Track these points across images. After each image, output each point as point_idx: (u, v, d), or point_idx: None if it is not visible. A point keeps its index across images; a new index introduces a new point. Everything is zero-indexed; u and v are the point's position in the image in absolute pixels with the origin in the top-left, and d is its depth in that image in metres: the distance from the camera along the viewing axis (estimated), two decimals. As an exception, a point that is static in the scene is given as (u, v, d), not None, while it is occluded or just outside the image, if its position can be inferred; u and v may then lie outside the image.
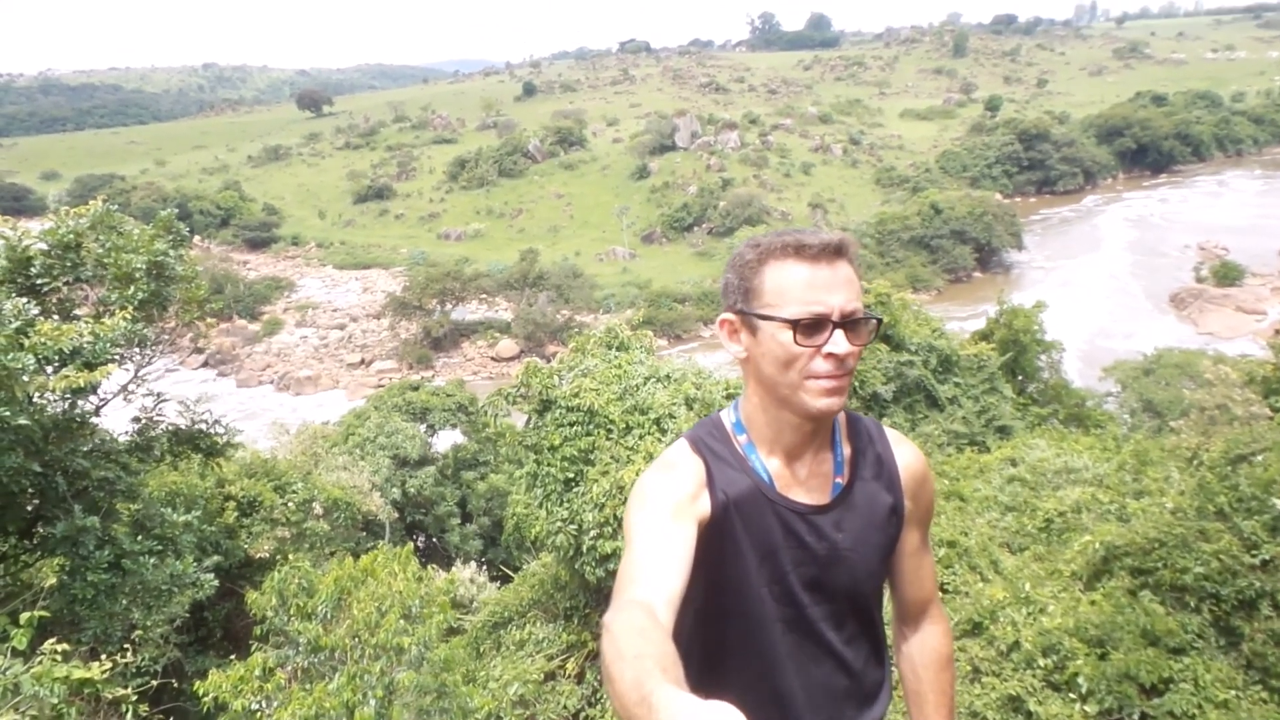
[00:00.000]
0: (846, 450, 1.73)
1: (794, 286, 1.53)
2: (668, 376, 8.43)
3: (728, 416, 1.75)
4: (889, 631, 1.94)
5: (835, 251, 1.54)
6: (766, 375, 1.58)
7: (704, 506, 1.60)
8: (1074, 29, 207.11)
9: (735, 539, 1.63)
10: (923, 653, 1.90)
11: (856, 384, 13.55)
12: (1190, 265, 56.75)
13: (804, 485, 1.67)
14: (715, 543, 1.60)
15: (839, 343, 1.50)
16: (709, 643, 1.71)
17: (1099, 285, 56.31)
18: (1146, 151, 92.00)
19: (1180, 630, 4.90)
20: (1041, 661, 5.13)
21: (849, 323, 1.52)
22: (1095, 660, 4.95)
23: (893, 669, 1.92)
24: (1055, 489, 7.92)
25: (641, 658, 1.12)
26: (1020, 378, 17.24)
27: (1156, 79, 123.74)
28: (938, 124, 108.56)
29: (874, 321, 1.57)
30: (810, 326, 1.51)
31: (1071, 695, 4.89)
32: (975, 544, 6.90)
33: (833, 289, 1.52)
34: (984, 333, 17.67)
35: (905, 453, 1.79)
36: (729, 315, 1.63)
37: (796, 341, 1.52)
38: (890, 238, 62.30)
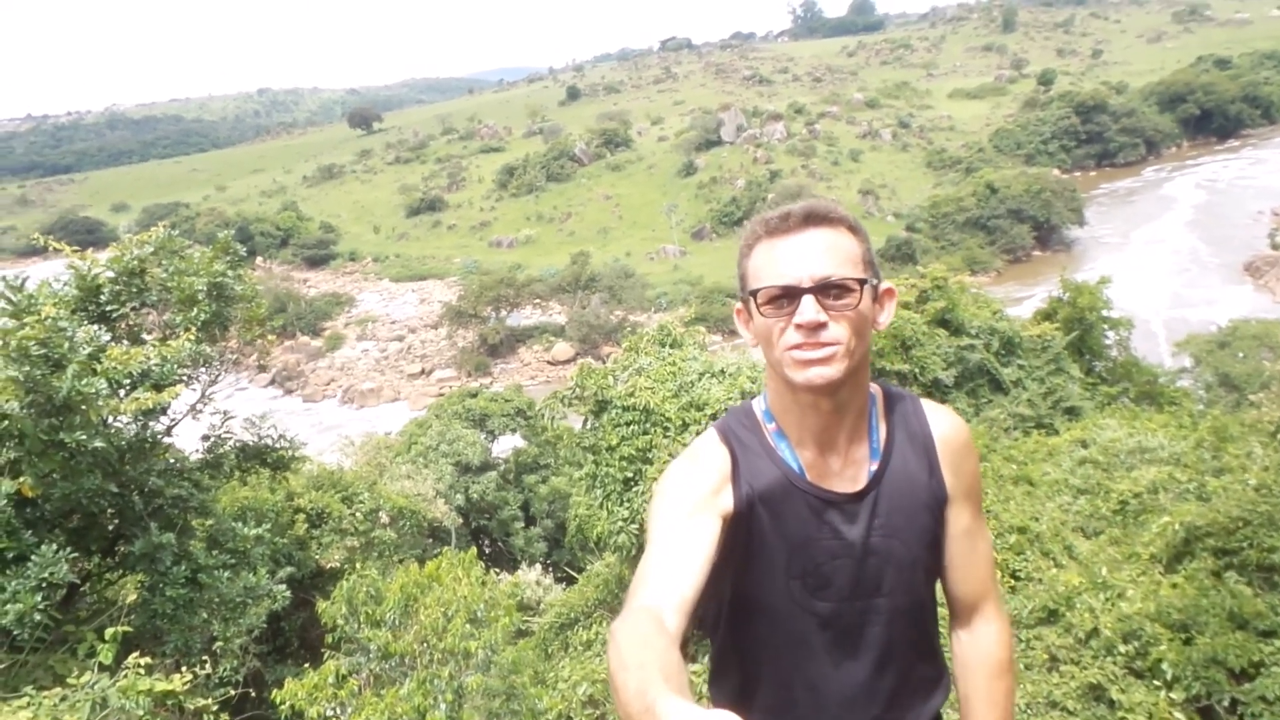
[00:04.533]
0: (882, 431, 1.64)
1: (765, 262, 1.50)
2: (722, 372, 8.39)
3: (758, 404, 1.68)
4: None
5: (803, 219, 1.49)
6: (765, 355, 1.54)
7: (726, 501, 1.54)
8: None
9: (762, 532, 1.57)
10: (974, 656, 1.73)
11: (917, 370, 13.30)
12: (1264, 232, 54.45)
13: (839, 476, 1.59)
14: (741, 536, 1.55)
15: (805, 310, 1.42)
16: (743, 638, 1.66)
17: (1168, 257, 54.44)
18: (1212, 117, 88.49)
19: (1270, 612, 4.69)
20: (1122, 648, 4.95)
21: (825, 289, 1.44)
22: (1180, 645, 4.77)
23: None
24: (1129, 469, 7.66)
25: (645, 666, 1.09)
26: (1087, 356, 16.73)
27: (1219, 41, 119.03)
28: (989, 102, 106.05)
29: (860, 286, 1.46)
30: (775, 297, 1.46)
31: (1156, 682, 4.71)
32: (1047, 529, 6.71)
33: (800, 257, 1.46)
34: (1046, 312, 17.17)
35: (941, 423, 1.67)
36: (738, 304, 1.60)
37: (762, 313, 1.48)
38: (945, 220, 61.08)
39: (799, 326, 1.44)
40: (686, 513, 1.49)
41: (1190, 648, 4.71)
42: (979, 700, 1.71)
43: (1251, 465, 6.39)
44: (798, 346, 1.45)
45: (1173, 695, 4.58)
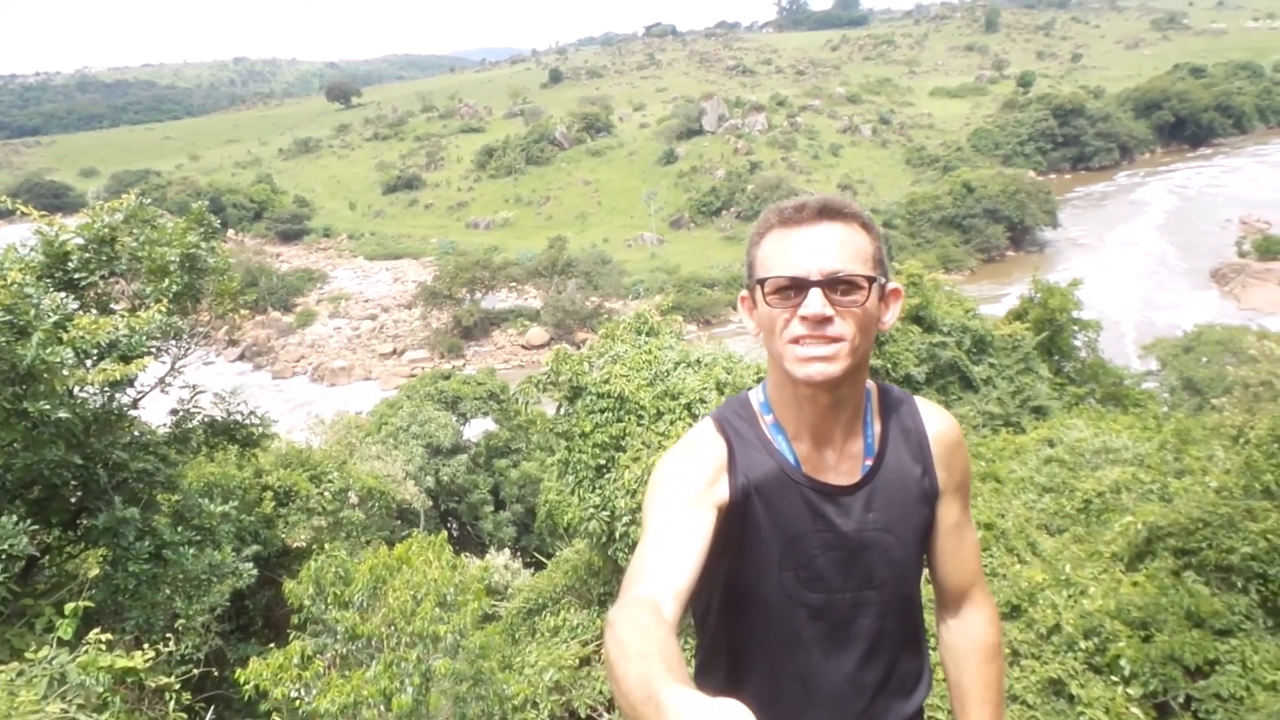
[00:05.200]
0: (877, 427, 1.66)
1: (775, 251, 1.49)
2: (698, 361, 8.39)
3: (755, 396, 1.68)
4: (929, 617, 1.87)
5: (818, 212, 1.49)
6: (767, 346, 1.54)
7: (722, 491, 1.54)
8: (1109, 1, 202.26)
9: (756, 524, 1.57)
10: (965, 641, 1.77)
11: (889, 366, 13.41)
12: (1232, 240, 55.44)
13: (834, 470, 1.60)
14: (736, 527, 1.56)
15: (812, 303, 1.42)
16: (735, 629, 1.67)
17: (1139, 261, 55.29)
18: (1185, 124, 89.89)
19: (1227, 611, 4.79)
20: (1083, 644, 5.04)
21: (833, 284, 1.44)
22: (1138, 642, 4.86)
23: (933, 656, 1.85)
24: (1094, 469, 7.77)
25: (646, 656, 1.08)
26: (1056, 357, 16.96)
27: (1195, 50, 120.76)
28: (969, 102, 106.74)
29: (869, 284, 1.46)
30: (784, 287, 1.46)
31: (1114, 678, 4.80)
32: (1012, 526, 6.79)
33: (811, 249, 1.45)
34: (1018, 312, 17.38)
35: (934, 420, 1.70)
36: (744, 292, 1.60)
37: (768, 302, 1.47)
38: (921, 218, 61.59)
39: (804, 318, 1.44)
40: (683, 503, 1.48)
41: (1149, 645, 4.80)
42: (973, 683, 1.75)
43: (1213, 468, 6.51)
44: (802, 339, 1.45)
45: (1130, 691, 4.67)
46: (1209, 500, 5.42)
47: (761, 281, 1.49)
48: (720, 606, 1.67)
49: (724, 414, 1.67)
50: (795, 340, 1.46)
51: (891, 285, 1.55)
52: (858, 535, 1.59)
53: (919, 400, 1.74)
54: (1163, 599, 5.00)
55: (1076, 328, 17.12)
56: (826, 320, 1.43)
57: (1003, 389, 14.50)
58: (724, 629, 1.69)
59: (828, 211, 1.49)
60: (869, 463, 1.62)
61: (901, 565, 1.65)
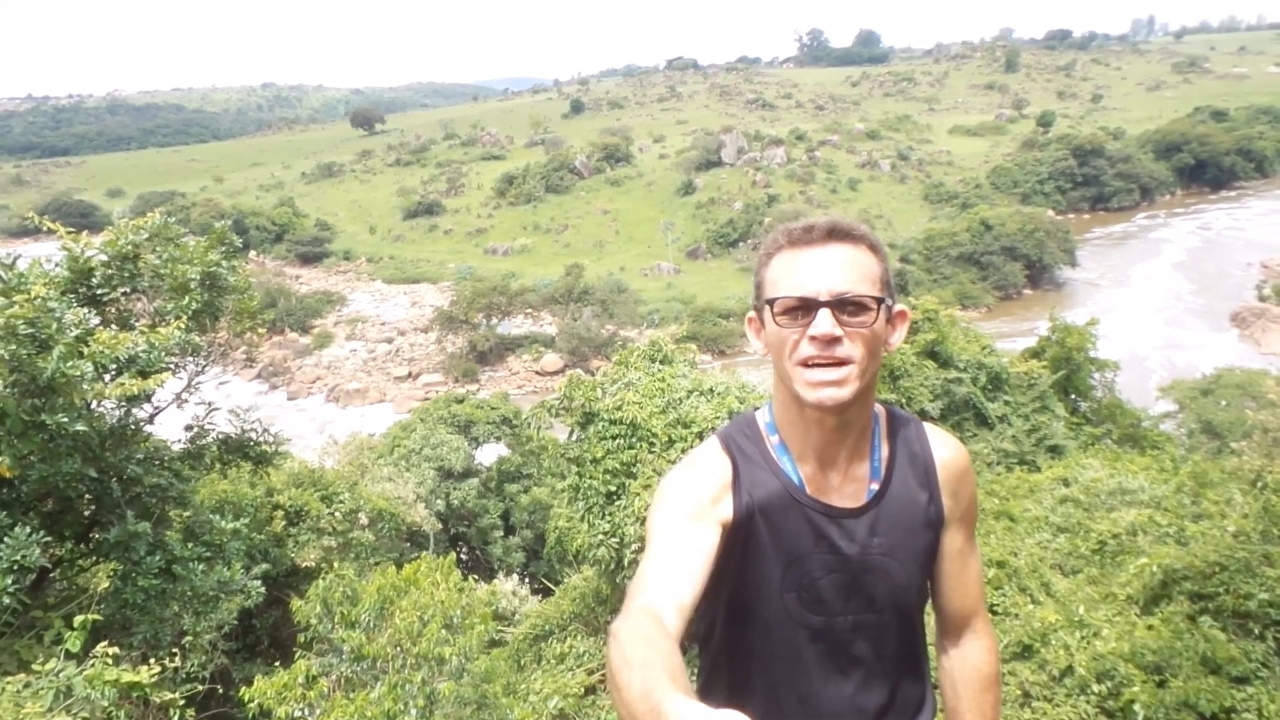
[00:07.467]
0: (885, 451, 1.65)
1: (784, 272, 1.50)
2: (711, 390, 8.39)
3: (762, 416, 1.69)
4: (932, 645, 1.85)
5: (826, 233, 1.50)
6: (776, 366, 1.54)
7: (726, 509, 1.55)
8: (1130, 44, 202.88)
9: (759, 543, 1.57)
10: (963, 670, 1.76)
11: (904, 400, 13.34)
12: (1253, 284, 55.07)
13: (838, 491, 1.60)
14: (739, 546, 1.56)
15: (821, 323, 1.43)
16: (736, 647, 1.67)
17: (1158, 302, 54.95)
18: (1206, 167, 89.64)
19: (1243, 658, 4.71)
20: (1095, 687, 4.96)
21: (842, 305, 1.45)
22: (1152, 687, 4.78)
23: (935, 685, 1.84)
24: (1109, 510, 7.69)
25: (649, 666, 1.08)
26: (1073, 396, 16.84)
27: (1217, 94, 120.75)
28: (988, 140, 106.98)
29: (878, 305, 1.47)
30: (793, 308, 1.47)
31: (1127, 723, 4.72)
32: (1025, 565, 6.72)
33: (820, 270, 1.46)
34: (1035, 350, 17.29)
35: (942, 446, 1.69)
36: (751, 313, 1.61)
37: (777, 322, 1.48)
38: (938, 254, 61.52)
39: (813, 339, 1.45)
40: (687, 519, 1.49)
41: (1163, 690, 4.72)
42: (969, 712, 1.74)
43: (1230, 512, 6.43)
44: (811, 362, 1.46)
45: (1143, 737, 4.58)
46: (1226, 544, 5.35)
47: (771, 302, 1.50)
48: (724, 624, 1.67)
49: (729, 432, 1.68)
50: (804, 363, 1.46)
51: (898, 307, 1.56)
52: (860, 559, 1.59)
53: (927, 426, 1.73)
54: (1178, 644, 4.92)
55: (1094, 367, 17.00)
56: (835, 341, 1.44)
57: (1018, 427, 14.38)
58: (725, 649, 1.68)
59: (836, 233, 1.51)
60: (875, 486, 1.62)
61: (903, 590, 1.64)
